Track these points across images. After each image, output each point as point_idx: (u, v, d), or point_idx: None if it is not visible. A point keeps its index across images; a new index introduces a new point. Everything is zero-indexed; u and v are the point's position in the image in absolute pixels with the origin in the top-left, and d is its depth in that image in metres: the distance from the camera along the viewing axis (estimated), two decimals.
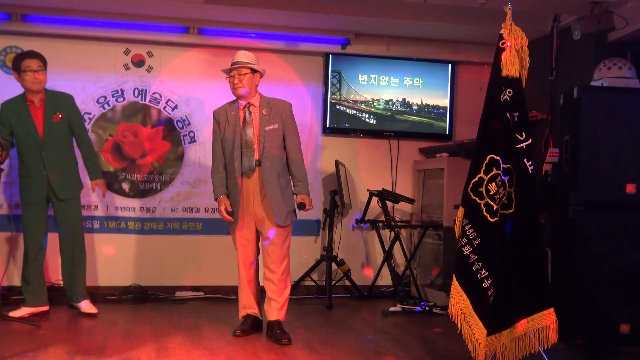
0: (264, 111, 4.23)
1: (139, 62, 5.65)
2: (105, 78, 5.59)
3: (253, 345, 4.02)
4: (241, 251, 4.31)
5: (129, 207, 5.60)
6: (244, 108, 4.25)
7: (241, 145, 4.21)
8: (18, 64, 4.73)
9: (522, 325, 3.34)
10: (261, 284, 4.39)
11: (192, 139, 5.74)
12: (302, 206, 4.24)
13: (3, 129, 4.69)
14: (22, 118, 4.69)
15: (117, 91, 5.59)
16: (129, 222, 5.60)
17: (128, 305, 5.20)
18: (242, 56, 4.23)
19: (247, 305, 4.33)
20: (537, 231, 3.37)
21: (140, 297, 5.33)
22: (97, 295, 5.14)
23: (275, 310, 4.25)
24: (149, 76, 5.65)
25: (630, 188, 3.98)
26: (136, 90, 5.63)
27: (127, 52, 5.62)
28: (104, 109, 5.56)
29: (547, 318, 3.34)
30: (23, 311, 4.63)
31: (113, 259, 5.56)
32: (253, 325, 4.32)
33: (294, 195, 4.30)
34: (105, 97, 5.59)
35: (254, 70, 4.22)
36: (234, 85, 4.20)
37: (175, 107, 5.71)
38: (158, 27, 5.53)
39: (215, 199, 4.32)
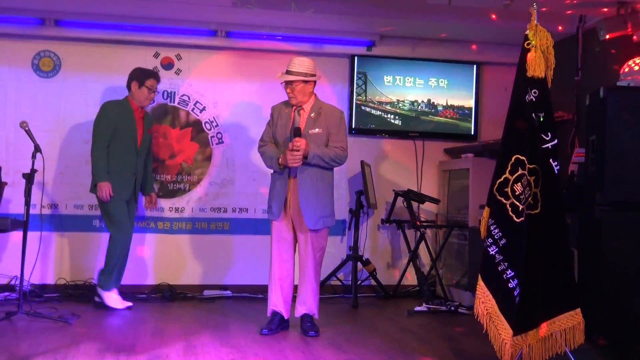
0: (312, 115, 4.30)
1: (168, 65, 5.71)
2: None
3: (280, 343, 4.05)
4: (275, 246, 4.35)
5: (158, 207, 5.64)
6: (294, 110, 4.34)
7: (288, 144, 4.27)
8: (143, 78, 4.95)
9: (548, 326, 3.34)
10: (295, 282, 4.42)
11: (220, 140, 5.80)
12: (297, 131, 4.15)
13: (109, 128, 4.86)
14: (128, 122, 4.93)
15: None
16: (158, 222, 5.67)
17: (157, 303, 5.27)
18: (296, 66, 4.25)
19: (275, 302, 4.34)
20: (563, 231, 3.36)
21: (169, 295, 5.40)
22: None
23: (304, 307, 4.32)
24: (178, 79, 5.72)
25: None
26: (165, 93, 5.70)
27: (156, 55, 5.69)
28: None
29: (574, 318, 3.34)
30: (115, 293, 4.93)
31: (143, 258, 5.63)
32: (280, 324, 4.34)
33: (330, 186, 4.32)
34: None
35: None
36: (288, 96, 4.31)
37: (204, 109, 5.77)
38: (186, 31, 5.60)
39: (278, 161, 4.23)
